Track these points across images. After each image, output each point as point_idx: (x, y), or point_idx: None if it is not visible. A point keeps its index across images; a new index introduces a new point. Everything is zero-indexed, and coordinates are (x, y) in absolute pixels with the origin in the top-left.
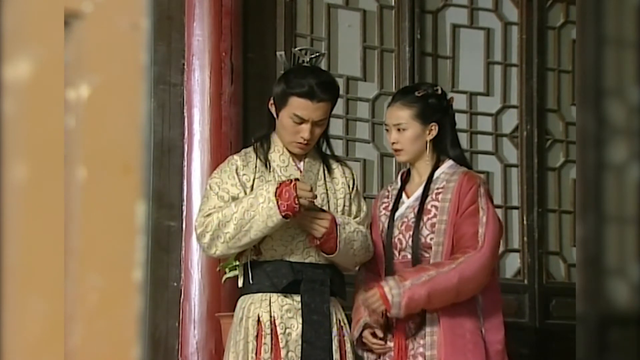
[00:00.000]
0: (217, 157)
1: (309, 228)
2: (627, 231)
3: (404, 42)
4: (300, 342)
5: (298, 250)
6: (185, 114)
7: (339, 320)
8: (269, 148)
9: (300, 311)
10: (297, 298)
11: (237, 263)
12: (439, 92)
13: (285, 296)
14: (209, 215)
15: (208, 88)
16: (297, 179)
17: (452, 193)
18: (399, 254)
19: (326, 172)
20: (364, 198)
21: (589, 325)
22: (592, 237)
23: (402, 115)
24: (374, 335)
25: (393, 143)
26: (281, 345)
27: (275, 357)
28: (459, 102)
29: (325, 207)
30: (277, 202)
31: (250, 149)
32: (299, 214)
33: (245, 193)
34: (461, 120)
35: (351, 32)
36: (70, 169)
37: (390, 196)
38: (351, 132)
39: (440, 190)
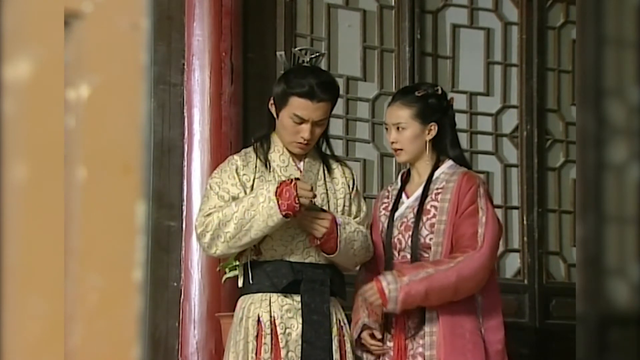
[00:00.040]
0: (217, 157)
1: (309, 228)
2: (627, 231)
3: (404, 42)
4: (300, 342)
5: (298, 250)
6: (185, 114)
7: (339, 320)
8: (269, 148)
9: (300, 311)
10: (297, 298)
11: (237, 263)
12: (439, 92)
13: (285, 296)
14: (209, 214)
15: (208, 88)
16: (297, 179)
17: (452, 193)
18: (399, 254)
19: (326, 172)
20: (364, 198)
21: (589, 325)
22: (592, 237)
23: (401, 114)
24: (372, 336)
25: (392, 142)
26: (281, 345)
27: (275, 357)
28: (459, 102)
29: (325, 207)
30: (278, 202)
31: (250, 149)
32: (299, 214)
33: (246, 193)
34: (461, 120)
35: (351, 32)
36: (70, 169)
37: (390, 196)
38: (351, 132)
39: (439, 190)
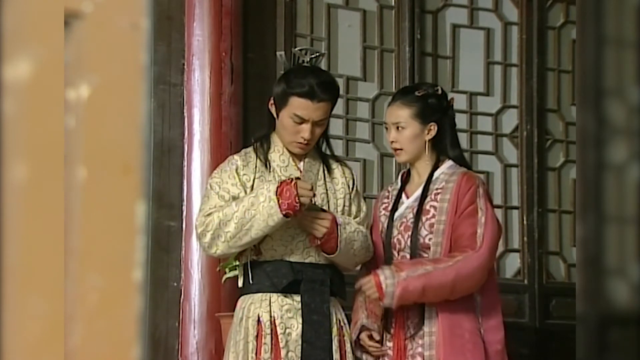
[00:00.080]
0: (217, 157)
1: (309, 228)
2: (627, 231)
3: (404, 42)
4: (300, 342)
5: (298, 250)
6: (185, 114)
7: (339, 320)
8: (269, 148)
9: (300, 311)
10: (297, 298)
11: (237, 263)
12: (439, 92)
13: (285, 296)
14: (209, 214)
15: (208, 88)
16: (297, 178)
17: (451, 193)
18: (398, 254)
19: (326, 172)
20: (364, 198)
21: (589, 325)
22: (592, 237)
23: (401, 114)
24: (370, 337)
25: (392, 142)
26: (281, 345)
27: (275, 357)
28: (459, 102)
29: (325, 207)
30: (278, 201)
31: (250, 149)
32: (300, 213)
33: (246, 193)
34: (461, 120)
35: (351, 32)
36: (70, 169)
37: (390, 196)
38: (351, 132)
39: (439, 190)
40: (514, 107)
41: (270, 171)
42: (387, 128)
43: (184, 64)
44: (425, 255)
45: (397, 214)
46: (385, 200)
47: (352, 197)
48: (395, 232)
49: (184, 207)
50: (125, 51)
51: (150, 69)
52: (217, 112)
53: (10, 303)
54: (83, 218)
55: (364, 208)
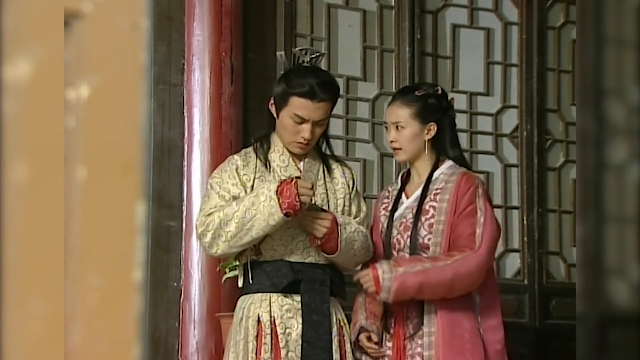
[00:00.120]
0: (217, 157)
1: (310, 228)
2: (627, 231)
3: (404, 42)
4: (300, 342)
5: (298, 250)
6: (185, 114)
7: (339, 320)
8: (268, 148)
9: (300, 311)
10: (297, 298)
11: (237, 263)
12: (439, 92)
13: (285, 296)
14: (210, 214)
15: (208, 88)
16: (297, 177)
17: (450, 194)
18: (398, 254)
19: (326, 172)
20: (364, 198)
21: (589, 325)
22: (592, 237)
23: (401, 113)
24: (369, 339)
25: (391, 141)
26: (281, 345)
27: (275, 357)
28: (459, 102)
29: (325, 207)
30: (279, 200)
31: (250, 149)
32: (300, 212)
33: (246, 193)
34: (461, 120)
35: (351, 32)
36: (70, 169)
37: (390, 197)
38: (351, 132)
39: (438, 190)
40: (514, 107)
41: (270, 171)
42: (387, 128)
43: (184, 64)
44: (425, 255)
45: (396, 214)
46: (386, 200)
47: (352, 197)
48: (394, 232)
49: (184, 207)
50: (125, 51)
51: (150, 69)
52: (217, 112)
53: (10, 303)
54: (83, 218)
55: (364, 208)
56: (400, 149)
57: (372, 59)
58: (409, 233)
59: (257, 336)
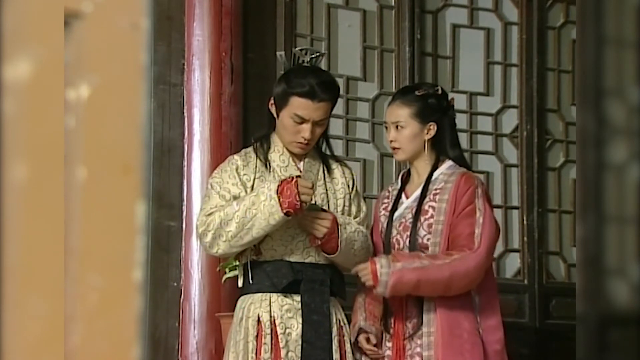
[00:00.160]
0: (217, 157)
1: (310, 228)
2: (627, 231)
3: (404, 42)
4: (300, 342)
5: (298, 250)
6: (185, 114)
7: (339, 320)
8: (268, 148)
9: (300, 311)
10: (297, 298)
11: (237, 263)
12: (439, 92)
13: (285, 296)
14: (210, 214)
15: (208, 88)
16: (298, 176)
17: (450, 194)
18: None
19: (326, 172)
20: (364, 198)
21: (589, 325)
22: (592, 237)
23: (400, 113)
24: (368, 340)
25: (391, 141)
26: (281, 345)
27: (275, 357)
28: (459, 102)
29: (325, 207)
30: (279, 200)
31: (250, 149)
32: (301, 212)
33: (246, 193)
34: (461, 120)
35: (351, 32)
36: (70, 169)
37: (390, 197)
38: (351, 132)
39: (438, 191)
40: (514, 107)
41: (270, 171)
42: (386, 127)
43: (184, 64)
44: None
45: (396, 214)
46: (386, 201)
47: (352, 197)
48: (394, 232)
49: (184, 207)
50: (125, 51)
51: (150, 69)
52: (217, 112)
53: (10, 303)
54: (83, 218)
55: (363, 208)
56: (399, 148)
57: (372, 59)
58: (408, 233)
59: (257, 336)
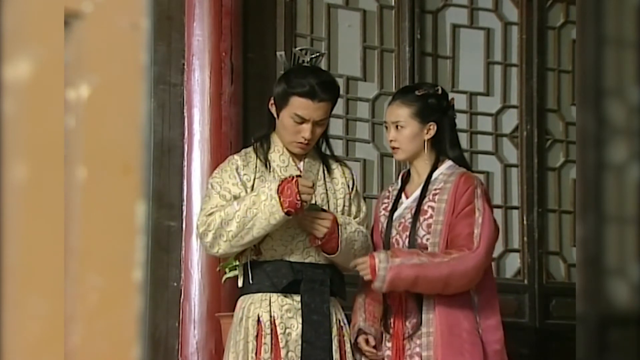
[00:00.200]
0: (217, 157)
1: (310, 228)
2: (627, 231)
3: (404, 42)
4: (300, 342)
5: (298, 250)
6: (185, 114)
7: (339, 320)
8: (268, 148)
9: (300, 311)
10: (297, 298)
11: (237, 263)
12: (439, 92)
13: (285, 296)
14: (211, 214)
15: (208, 88)
16: (298, 176)
17: (449, 194)
18: None
19: (326, 172)
20: (364, 198)
21: (589, 325)
22: (592, 237)
23: (400, 113)
24: (367, 342)
25: (391, 141)
26: (281, 345)
27: (275, 357)
28: (459, 102)
29: (325, 207)
30: (280, 199)
31: (250, 149)
32: (301, 211)
33: (246, 193)
34: (461, 120)
35: (351, 32)
36: (70, 169)
37: (390, 197)
38: (351, 132)
39: (437, 191)
40: (514, 107)
41: (270, 171)
42: (386, 127)
43: (184, 64)
44: None
45: (396, 214)
46: (386, 201)
47: (352, 197)
48: (393, 232)
49: (184, 207)
50: (125, 51)
51: (150, 69)
52: (217, 112)
53: (10, 303)
54: (83, 218)
55: (363, 208)
56: (399, 148)
57: (372, 59)
58: (408, 233)
59: (257, 336)
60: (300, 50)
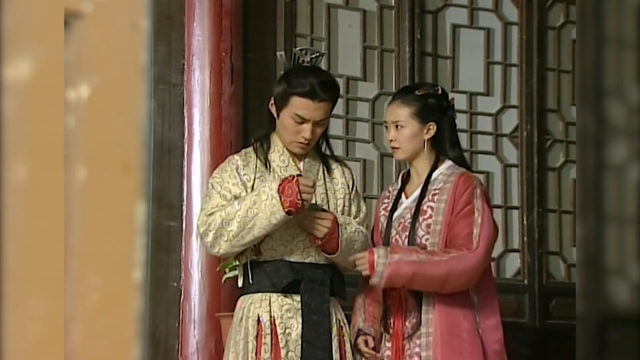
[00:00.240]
0: (217, 157)
1: (310, 228)
2: (627, 231)
3: (404, 42)
4: (300, 342)
5: (298, 250)
6: (185, 114)
7: (339, 320)
8: (268, 148)
9: (300, 311)
10: (297, 298)
11: (237, 263)
12: (440, 92)
13: (285, 296)
14: (211, 214)
15: (208, 88)
16: (299, 175)
17: (448, 194)
18: None
19: (326, 172)
20: (364, 198)
21: (589, 325)
22: (592, 237)
23: (400, 113)
24: (366, 343)
25: (391, 140)
26: (281, 345)
27: (275, 357)
28: (459, 102)
29: (325, 208)
30: (280, 199)
31: (250, 149)
32: (302, 210)
33: (247, 193)
34: (461, 120)
35: (351, 32)
36: (70, 169)
37: (390, 197)
38: (351, 132)
39: (437, 191)
40: (514, 107)
41: (270, 171)
42: (386, 127)
43: (184, 64)
44: None
45: (395, 214)
46: (386, 201)
47: (351, 197)
48: (393, 232)
49: (184, 207)
50: (125, 51)
51: (150, 69)
52: (217, 112)
53: (10, 303)
54: (83, 218)
55: (363, 208)
56: (399, 148)
57: (372, 59)
58: (407, 233)
59: (257, 336)
60: (300, 50)
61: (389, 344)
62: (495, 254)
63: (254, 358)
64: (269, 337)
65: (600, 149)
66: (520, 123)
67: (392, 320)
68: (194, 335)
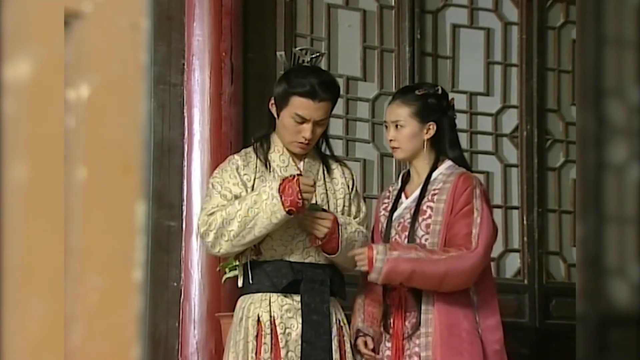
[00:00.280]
0: (217, 157)
1: (311, 228)
2: (627, 231)
3: (404, 42)
4: (300, 342)
5: (298, 250)
6: (185, 114)
7: (339, 320)
8: (268, 148)
9: (300, 311)
10: (297, 298)
11: (237, 263)
12: (440, 92)
13: (285, 296)
14: (212, 213)
15: (208, 88)
16: (299, 174)
17: (447, 194)
18: None
19: (326, 172)
20: (364, 198)
21: (589, 325)
22: (592, 237)
23: (400, 112)
24: (365, 344)
25: (391, 140)
26: (281, 345)
27: (275, 357)
28: (459, 102)
29: (324, 208)
30: (281, 198)
31: (250, 149)
32: (303, 210)
33: (247, 192)
34: (461, 120)
35: (351, 32)
36: (70, 169)
37: (390, 197)
38: (351, 132)
39: (436, 191)
40: (514, 107)
41: (270, 171)
42: (386, 126)
43: (184, 64)
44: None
45: (395, 214)
46: (386, 201)
47: (351, 197)
48: (393, 232)
49: (184, 207)
50: (125, 51)
51: (150, 69)
52: (217, 112)
53: (10, 303)
54: (83, 218)
55: (363, 208)
56: (398, 147)
57: (372, 59)
58: (407, 233)
59: (257, 336)
60: (300, 50)
61: (388, 344)
62: (495, 254)
63: (254, 358)
64: (269, 337)
65: (600, 149)
66: (520, 123)
67: (391, 320)
68: (194, 335)
